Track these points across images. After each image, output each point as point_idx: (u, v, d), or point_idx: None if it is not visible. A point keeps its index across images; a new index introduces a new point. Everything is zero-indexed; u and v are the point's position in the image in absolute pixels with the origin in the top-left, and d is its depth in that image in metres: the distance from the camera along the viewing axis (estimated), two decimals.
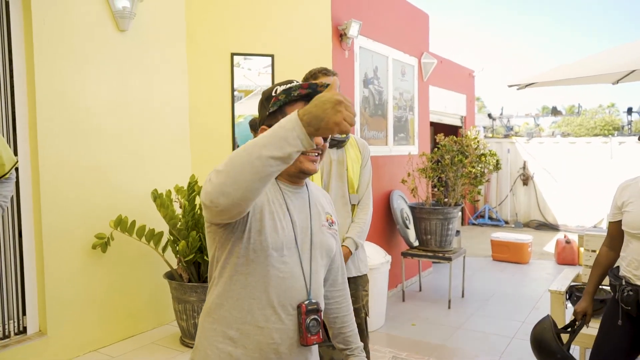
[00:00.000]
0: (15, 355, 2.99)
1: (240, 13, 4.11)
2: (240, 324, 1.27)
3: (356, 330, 1.55)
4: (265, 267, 1.27)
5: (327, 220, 1.44)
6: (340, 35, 4.27)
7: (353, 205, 2.38)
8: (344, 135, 2.39)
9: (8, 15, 3.01)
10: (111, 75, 3.48)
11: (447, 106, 7.88)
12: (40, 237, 3.14)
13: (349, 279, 2.33)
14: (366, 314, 2.37)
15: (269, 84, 4.14)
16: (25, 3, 3.02)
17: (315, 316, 1.31)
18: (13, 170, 2.23)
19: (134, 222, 3.38)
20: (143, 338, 3.66)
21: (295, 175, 1.35)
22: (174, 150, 3.94)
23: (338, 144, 2.36)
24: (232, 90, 4.11)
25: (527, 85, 4.02)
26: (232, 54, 4.09)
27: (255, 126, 4.17)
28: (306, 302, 1.31)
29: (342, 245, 2.31)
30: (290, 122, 1.03)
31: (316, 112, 1.02)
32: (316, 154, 1.33)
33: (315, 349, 1.38)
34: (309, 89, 1.29)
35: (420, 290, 5.24)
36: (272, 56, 4.14)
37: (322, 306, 1.36)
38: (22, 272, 3.14)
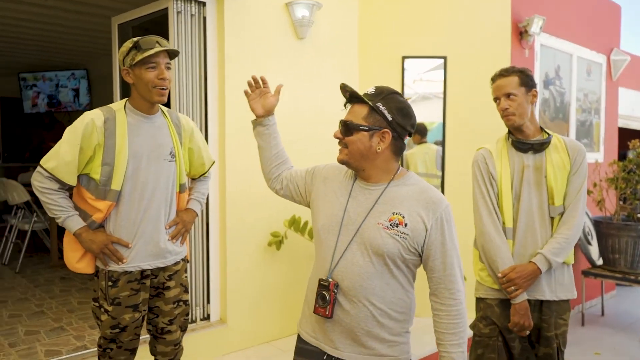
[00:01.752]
0: (200, 339, 3.25)
1: (413, 15, 4.02)
2: (308, 292, 1.71)
3: (454, 355, 1.51)
4: (316, 243, 1.66)
5: (391, 220, 1.50)
6: (520, 33, 3.97)
7: (553, 218, 2.13)
8: (545, 136, 2.16)
9: (205, 29, 3.28)
10: (289, 82, 3.60)
11: (634, 109, 6.94)
12: (225, 233, 3.38)
13: (542, 302, 2.11)
14: (560, 346, 2.11)
15: (441, 88, 3.99)
16: (220, 16, 3.27)
17: (324, 292, 1.54)
18: (210, 170, 2.42)
19: (306, 223, 3.48)
20: None
21: (358, 174, 1.61)
22: None
23: (534, 148, 2.13)
24: (402, 94, 4.04)
25: None
26: (403, 57, 4.02)
27: (421, 131, 4.06)
28: (322, 279, 1.57)
29: (529, 262, 2.09)
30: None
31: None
32: (342, 145, 1.57)
33: (338, 322, 1.55)
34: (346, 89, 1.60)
35: (602, 314, 4.66)
36: (444, 58, 3.99)
37: (363, 295, 1.51)
38: (208, 264, 3.42)
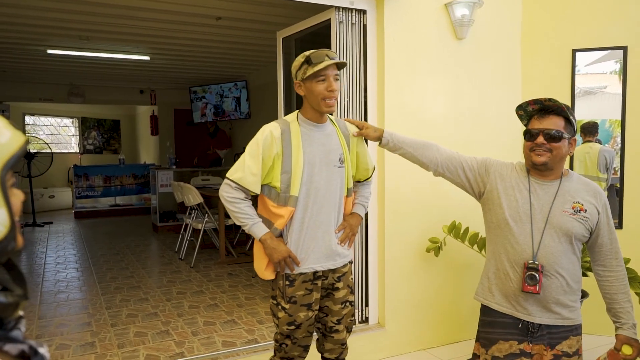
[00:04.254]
0: (358, 341, 3.30)
1: (583, 3, 3.67)
2: (495, 271, 2.05)
3: (629, 309, 1.91)
4: (502, 230, 2.01)
5: (574, 208, 1.90)
6: None
7: None
8: None
9: (365, 36, 3.34)
10: (447, 84, 3.55)
11: None
12: (383, 238, 3.41)
13: None
14: None
15: (618, 82, 3.59)
16: (379, 23, 3.32)
17: (534, 273, 1.89)
18: (372, 175, 2.47)
19: (467, 229, 3.36)
20: (466, 346, 3.62)
21: (533, 169, 1.98)
22: (507, 159, 3.78)
23: None
24: (573, 92, 3.71)
25: None
26: (574, 50, 3.69)
27: (590, 130, 3.68)
28: (530, 262, 1.91)
29: None
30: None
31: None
32: (544, 149, 1.90)
33: (542, 297, 1.93)
34: (536, 104, 1.97)
35: None
36: (624, 48, 3.58)
37: (555, 269, 1.91)
38: (367, 268, 3.47)
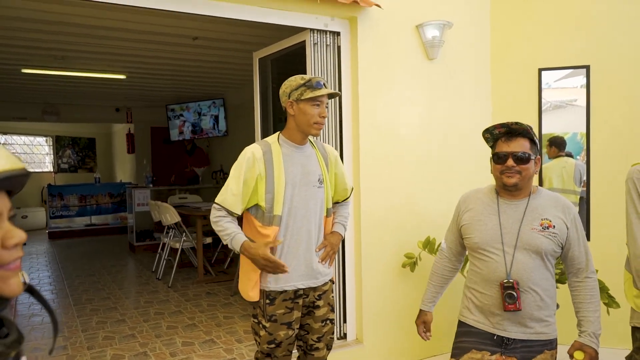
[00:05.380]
0: (337, 358, 3.29)
1: (548, 25, 3.83)
2: (472, 291, 2.16)
3: (591, 318, 2.00)
4: (477, 255, 2.12)
5: (542, 224, 1.98)
6: None
7: None
8: None
9: (339, 57, 3.42)
10: (420, 103, 3.64)
11: None
12: (360, 254, 3.46)
13: None
14: None
15: (574, 95, 3.74)
16: (353, 44, 3.40)
17: (511, 292, 1.97)
18: (350, 195, 2.53)
19: (440, 245, 3.42)
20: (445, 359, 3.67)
21: (503, 190, 2.08)
22: (477, 174, 3.86)
23: None
24: (540, 108, 3.84)
25: None
26: (540, 69, 3.83)
27: (558, 144, 3.80)
28: (506, 281, 1.99)
29: None
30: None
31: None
32: (512, 172, 1.99)
33: (522, 314, 2.01)
34: (503, 127, 2.05)
35: None
36: (587, 67, 3.73)
37: (529, 285, 1.99)
38: (345, 284, 3.51)
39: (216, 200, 2.20)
